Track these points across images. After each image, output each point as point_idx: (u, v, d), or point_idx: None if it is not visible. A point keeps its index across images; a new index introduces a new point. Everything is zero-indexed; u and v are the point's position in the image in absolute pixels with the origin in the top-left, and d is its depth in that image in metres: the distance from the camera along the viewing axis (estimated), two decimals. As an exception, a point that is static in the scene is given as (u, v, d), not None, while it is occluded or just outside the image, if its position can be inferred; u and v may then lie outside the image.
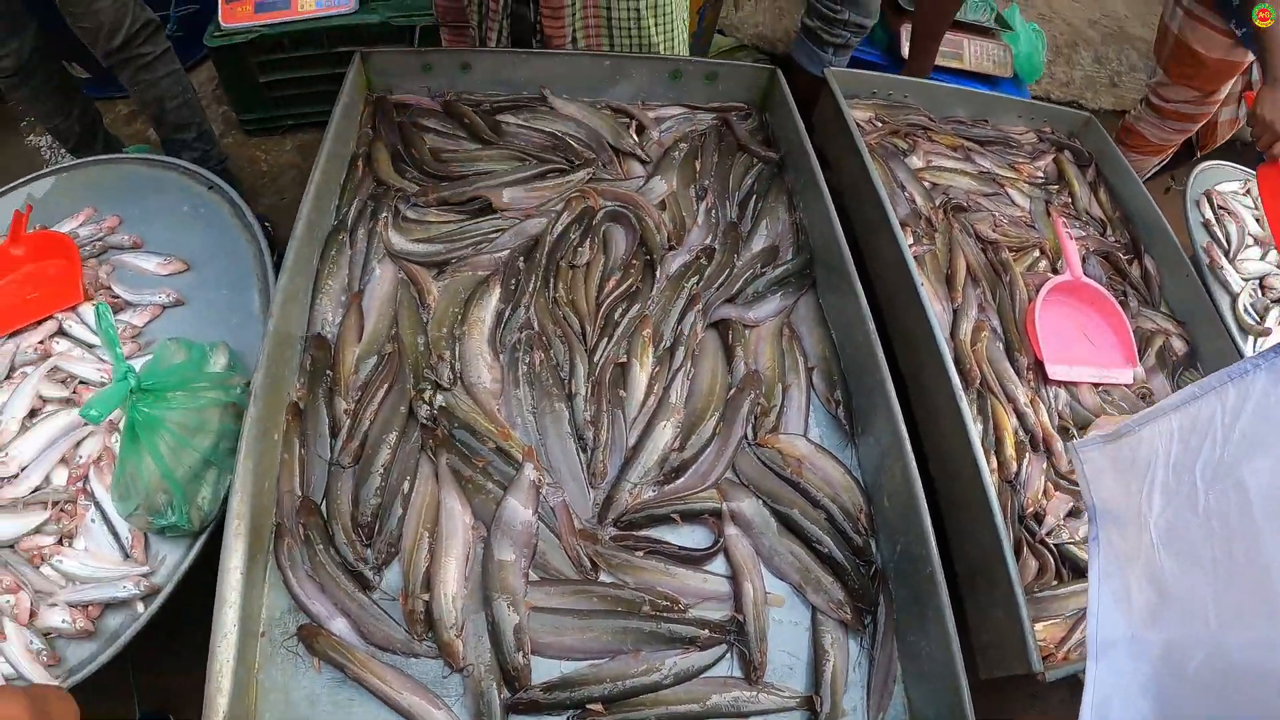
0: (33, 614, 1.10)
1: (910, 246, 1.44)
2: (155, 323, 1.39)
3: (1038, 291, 1.51)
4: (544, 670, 1.00)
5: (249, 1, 2.10)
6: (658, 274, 1.40)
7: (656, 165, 1.58)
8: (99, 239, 1.50)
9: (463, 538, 1.07)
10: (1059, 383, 1.44)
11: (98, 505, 1.18)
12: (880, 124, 1.81)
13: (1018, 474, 1.30)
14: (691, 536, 1.14)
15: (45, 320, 1.36)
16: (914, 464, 1.10)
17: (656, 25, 1.62)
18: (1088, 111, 2.08)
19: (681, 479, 1.17)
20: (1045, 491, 1.31)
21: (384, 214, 1.40)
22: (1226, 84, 2.19)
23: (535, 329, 1.30)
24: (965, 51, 2.38)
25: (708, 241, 1.48)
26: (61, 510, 1.18)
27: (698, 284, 1.38)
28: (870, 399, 1.23)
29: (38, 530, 1.15)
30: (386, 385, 1.20)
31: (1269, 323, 1.69)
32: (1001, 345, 1.47)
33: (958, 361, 1.37)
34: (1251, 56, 1.95)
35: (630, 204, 1.48)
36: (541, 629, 1.02)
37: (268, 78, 2.29)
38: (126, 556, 1.15)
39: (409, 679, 0.97)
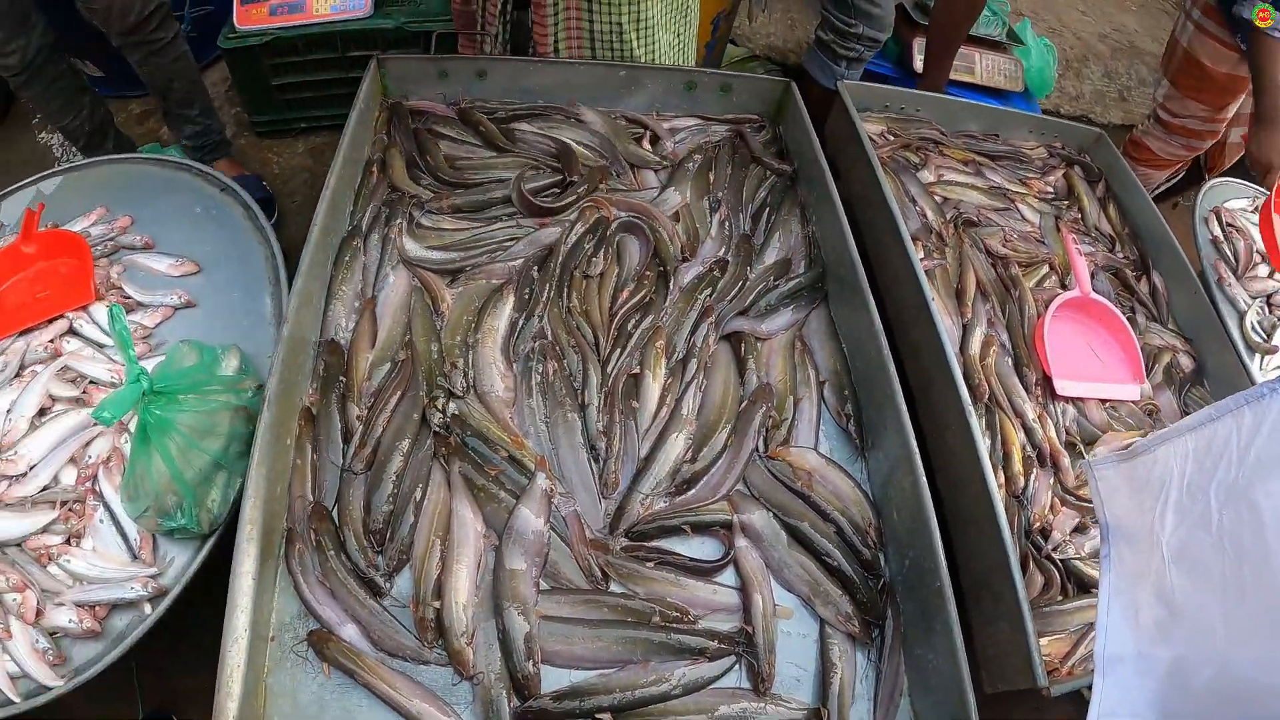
0: (39, 613, 1.10)
1: (920, 260, 1.45)
2: (166, 324, 1.39)
3: (1046, 307, 1.51)
4: (554, 679, 1.00)
5: (264, 4, 2.10)
6: (671, 285, 1.40)
7: (671, 176, 1.58)
8: (111, 239, 1.50)
9: (474, 546, 1.07)
10: (1067, 398, 1.44)
11: (106, 505, 1.18)
12: (892, 137, 1.82)
13: (1025, 489, 1.30)
14: (702, 548, 1.15)
15: (56, 319, 1.36)
16: (924, 478, 1.10)
17: (639, 39, 1.61)
18: (1097, 126, 2.08)
19: (693, 490, 1.17)
20: (1052, 507, 1.31)
21: (398, 220, 1.40)
22: (1234, 101, 2.19)
23: (549, 339, 1.30)
24: (977, 65, 2.39)
25: (721, 253, 1.49)
26: (70, 510, 1.18)
27: (711, 296, 1.39)
28: (881, 413, 1.24)
29: (46, 529, 1.15)
30: (399, 392, 1.20)
31: (1276, 340, 1.69)
32: (1010, 360, 1.47)
33: (967, 376, 1.37)
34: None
35: (644, 215, 1.48)
36: (552, 638, 1.02)
37: (281, 80, 2.29)
38: (134, 557, 1.15)
39: (419, 686, 0.97)
